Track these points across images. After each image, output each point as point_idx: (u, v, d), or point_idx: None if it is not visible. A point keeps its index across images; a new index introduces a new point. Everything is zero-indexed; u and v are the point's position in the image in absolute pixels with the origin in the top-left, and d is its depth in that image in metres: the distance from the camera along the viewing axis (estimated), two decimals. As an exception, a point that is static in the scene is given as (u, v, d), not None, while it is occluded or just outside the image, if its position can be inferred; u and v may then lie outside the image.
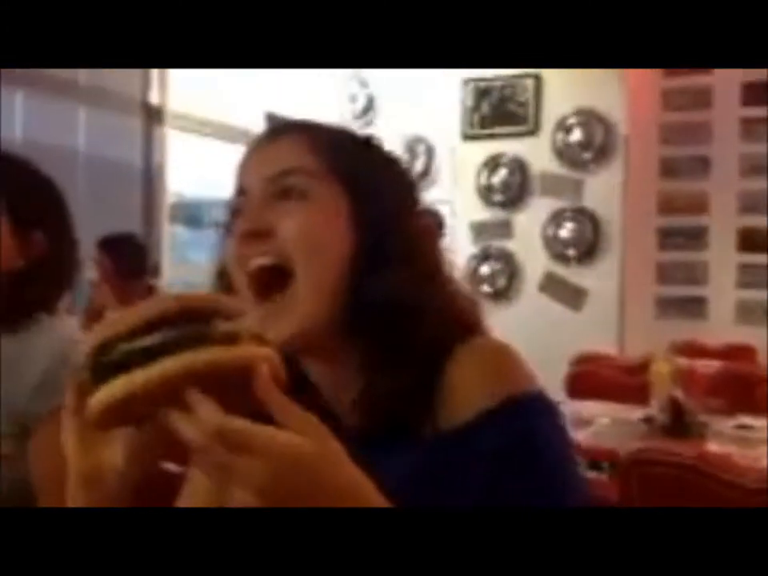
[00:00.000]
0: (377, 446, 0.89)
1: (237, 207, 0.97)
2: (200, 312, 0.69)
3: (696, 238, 5.52)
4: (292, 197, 0.93)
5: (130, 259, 3.80)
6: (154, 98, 5.23)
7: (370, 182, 0.97)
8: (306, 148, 0.96)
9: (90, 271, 3.71)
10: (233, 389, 0.67)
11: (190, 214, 5.98)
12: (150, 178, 5.16)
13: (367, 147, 1.02)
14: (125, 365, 0.66)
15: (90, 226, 3.99)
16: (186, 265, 5.58)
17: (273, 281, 0.91)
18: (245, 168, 0.99)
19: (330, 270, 0.92)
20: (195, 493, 0.99)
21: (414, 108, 5.97)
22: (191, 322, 0.68)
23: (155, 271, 4.35)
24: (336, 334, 0.93)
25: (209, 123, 5.52)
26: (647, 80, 5.48)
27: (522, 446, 0.85)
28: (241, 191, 0.97)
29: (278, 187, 0.94)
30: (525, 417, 0.86)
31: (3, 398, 1.36)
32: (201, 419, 0.66)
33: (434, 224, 1.03)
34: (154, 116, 5.21)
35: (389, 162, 1.03)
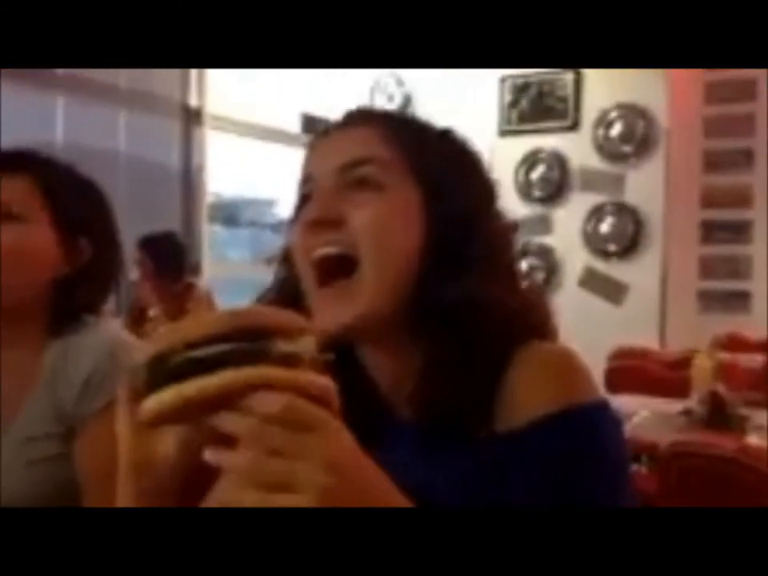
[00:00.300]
0: (428, 443, 0.88)
1: (304, 194, 0.95)
2: (261, 330, 0.67)
3: (740, 231, 5.45)
4: (365, 187, 0.91)
5: (170, 258, 3.85)
6: (192, 100, 5.29)
7: (445, 177, 0.94)
8: (379, 138, 0.93)
9: (131, 271, 3.76)
10: None
11: (228, 214, 6.06)
12: (189, 178, 5.22)
13: (444, 140, 0.99)
14: (181, 374, 0.66)
15: (130, 227, 4.05)
16: (224, 263, 5.66)
17: (337, 269, 0.90)
18: (314, 156, 0.97)
19: (397, 261, 0.90)
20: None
21: (452, 106, 5.95)
22: (251, 339, 0.67)
23: (195, 270, 4.41)
24: (398, 325, 0.91)
25: (246, 124, 5.57)
26: (689, 73, 5.41)
27: (582, 453, 0.83)
28: (308, 178, 0.95)
29: (349, 177, 0.92)
30: (587, 424, 0.84)
31: (50, 399, 1.38)
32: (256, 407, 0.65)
33: (511, 225, 1.00)
34: (192, 118, 5.27)
35: (468, 157, 1.00)
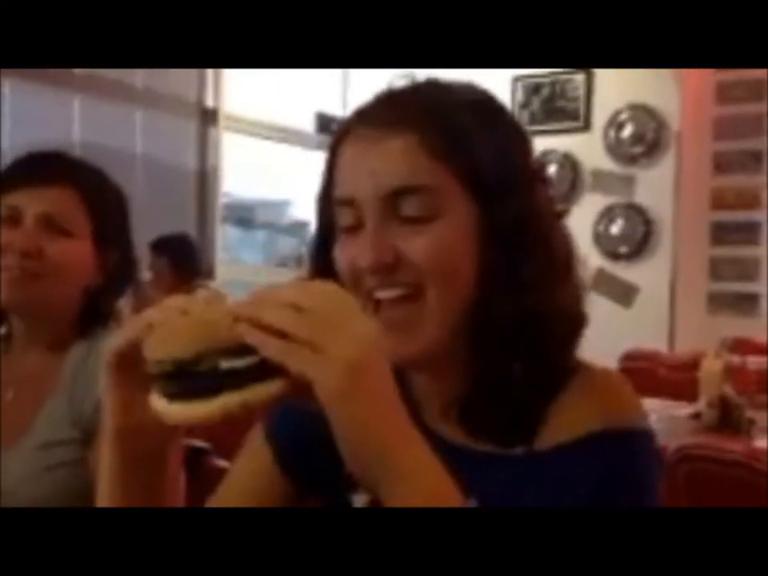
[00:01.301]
0: (469, 460, 0.85)
1: (347, 223, 0.88)
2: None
3: (750, 233, 5.45)
4: (418, 219, 0.84)
5: (184, 260, 3.87)
6: (209, 100, 5.30)
7: (498, 179, 0.86)
8: (422, 151, 0.85)
9: (144, 272, 3.79)
10: None
11: (243, 215, 6.03)
12: (204, 179, 5.23)
13: (489, 125, 0.89)
14: (216, 383, 0.67)
15: (144, 227, 4.07)
16: (237, 264, 5.65)
17: (399, 301, 0.86)
18: (348, 168, 0.88)
19: (461, 290, 0.86)
20: (238, 479, 1.00)
21: (464, 106, 5.97)
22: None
23: (209, 272, 4.43)
24: (455, 350, 0.87)
25: (261, 124, 5.58)
26: (701, 73, 5.41)
27: (617, 476, 0.82)
28: (350, 202, 0.87)
29: (399, 208, 0.85)
30: (627, 447, 0.83)
31: (69, 404, 1.39)
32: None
33: (563, 212, 0.93)
34: (208, 118, 5.28)
35: (512, 139, 0.91)
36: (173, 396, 0.69)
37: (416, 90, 0.91)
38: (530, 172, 0.91)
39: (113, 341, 0.76)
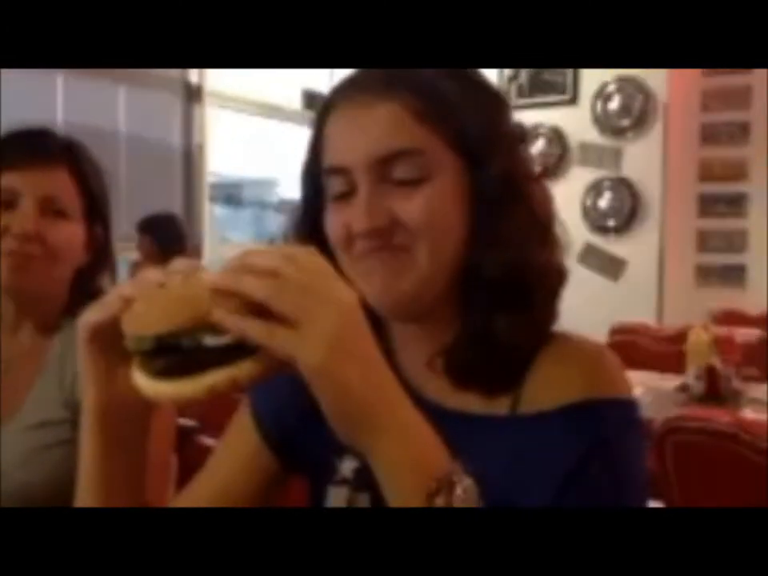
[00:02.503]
0: (452, 420, 0.85)
1: (338, 190, 0.89)
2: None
3: (737, 204, 5.47)
4: (410, 182, 0.86)
5: (170, 239, 3.85)
6: (193, 77, 5.26)
7: (484, 144, 0.89)
8: (410, 116, 0.86)
9: (131, 252, 3.78)
10: None
11: (230, 193, 6.00)
12: (190, 157, 5.20)
13: (474, 92, 0.92)
14: (199, 360, 0.66)
15: (130, 206, 4.07)
16: (225, 244, 5.64)
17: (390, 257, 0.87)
18: (337, 137, 0.90)
19: (451, 247, 0.87)
20: (224, 456, 1.00)
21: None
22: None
23: (196, 251, 4.41)
24: (445, 299, 0.89)
25: (247, 101, 5.55)
26: (686, 46, 5.40)
27: (605, 445, 0.82)
28: (339, 170, 0.88)
29: (389, 173, 0.86)
30: (614, 418, 0.83)
31: (58, 384, 1.39)
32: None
33: (543, 173, 0.97)
34: (193, 95, 5.25)
35: (497, 105, 0.94)
36: (157, 373, 0.68)
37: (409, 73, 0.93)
38: (511, 135, 0.93)
39: (87, 315, 0.76)
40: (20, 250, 1.37)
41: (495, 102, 0.94)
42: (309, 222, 0.94)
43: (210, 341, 0.66)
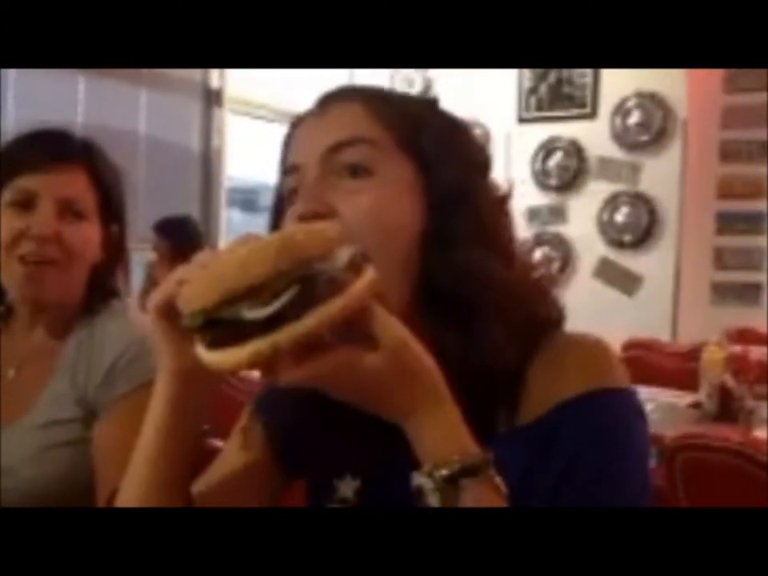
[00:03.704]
0: None
1: (290, 187, 0.89)
2: (301, 262, 0.69)
3: (754, 223, 5.43)
4: (354, 174, 0.85)
5: (186, 241, 3.87)
6: (213, 81, 5.28)
7: (439, 151, 0.88)
8: (364, 115, 0.88)
9: (148, 252, 3.80)
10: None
11: (247, 198, 6.02)
12: (209, 161, 5.22)
13: (432, 111, 0.93)
14: (243, 329, 0.69)
15: (149, 208, 4.08)
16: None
17: None
18: (296, 141, 0.91)
19: (399, 252, 0.85)
20: (228, 459, 0.99)
21: (471, 92, 5.96)
22: (295, 277, 0.69)
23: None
24: (406, 317, 0.81)
25: (266, 107, 5.56)
26: (708, 62, 5.37)
27: (607, 437, 0.81)
28: (293, 168, 0.89)
29: (337, 162, 0.86)
30: (614, 409, 0.83)
31: (72, 383, 1.39)
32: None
33: (507, 197, 0.93)
34: (213, 99, 5.27)
35: (457, 127, 0.94)
36: (209, 345, 0.72)
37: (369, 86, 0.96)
38: (469, 156, 0.92)
39: (152, 298, 0.80)
40: (38, 252, 1.37)
41: (454, 121, 0.94)
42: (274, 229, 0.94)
43: (251, 313, 0.69)
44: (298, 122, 0.93)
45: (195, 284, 0.72)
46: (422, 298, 0.86)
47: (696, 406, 3.20)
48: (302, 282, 0.69)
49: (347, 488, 0.92)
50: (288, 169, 0.91)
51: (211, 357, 0.72)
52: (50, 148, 1.43)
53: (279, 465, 0.98)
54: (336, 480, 0.93)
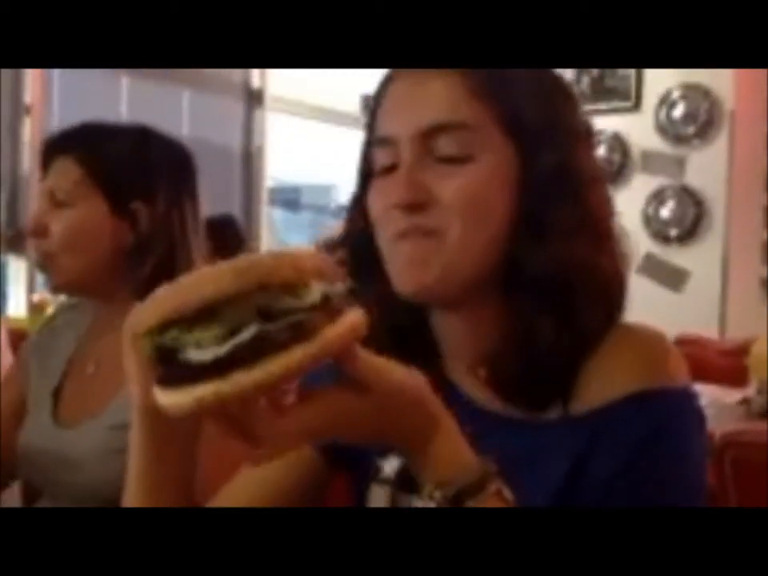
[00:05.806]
0: (498, 422, 0.85)
1: (383, 163, 0.87)
2: (264, 287, 0.60)
3: (805, 216, 5.33)
4: (454, 159, 0.84)
5: (228, 241, 3.89)
6: (255, 81, 5.32)
7: (542, 127, 0.86)
8: (463, 91, 0.85)
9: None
10: None
11: (288, 197, 6.07)
12: (250, 160, 5.26)
13: (540, 78, 0.89)
14: (209, 368, 0.60)
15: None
16: (283, 247, 5.69)
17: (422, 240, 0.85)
18: (389, 108, 0.88)
19: (489, 235, 0.84)
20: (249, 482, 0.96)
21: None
22: (257, 300, 0.60)
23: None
24: (483, 292, 0.86)
25: (307, 106, 5.59)
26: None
27: (662, 436, 0.80)
28: (388, 140, 0.87)
29: (434, 145, 0.84)
30: (670, 407, 0.82)
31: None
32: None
33: (605, 173, 0.94)
34: (254, 99, 5.30)
35: (560, 93, 0.91)
36: (158, 381, 0.66)
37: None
38: (573, 127, 0.89)
39: (129, 318, 0.73)
40: (37, 247, 1.45)
41: (560, 90, 0.91)
42: (358, 200, 0.93)
43: (197, 354, 0.61)
44: (389, 82, 0.90)
45: (147, 301, 0.64)
46: (512, 280, 0.85)
47: (745, 402, 3.16)
48: (262, 317, 0.60)
49: (389, 467, 0.91)
50: (379, 141, 0.89)
51: (159, 396, 0.64)
52: (43, 155, 1.49)
53: (321, 455, 0.96)
54: (379, 460, 0.92)
